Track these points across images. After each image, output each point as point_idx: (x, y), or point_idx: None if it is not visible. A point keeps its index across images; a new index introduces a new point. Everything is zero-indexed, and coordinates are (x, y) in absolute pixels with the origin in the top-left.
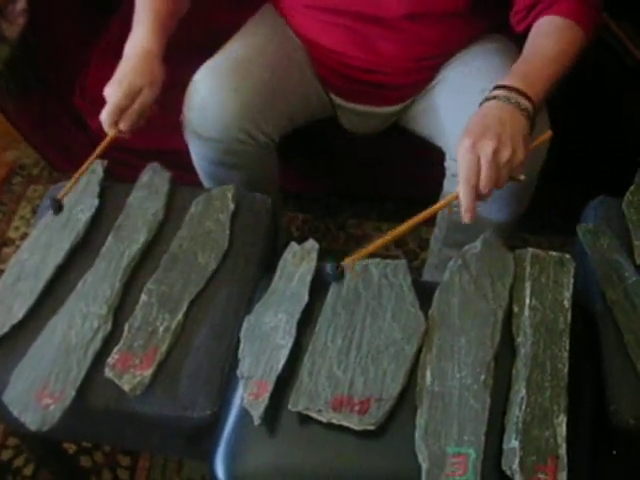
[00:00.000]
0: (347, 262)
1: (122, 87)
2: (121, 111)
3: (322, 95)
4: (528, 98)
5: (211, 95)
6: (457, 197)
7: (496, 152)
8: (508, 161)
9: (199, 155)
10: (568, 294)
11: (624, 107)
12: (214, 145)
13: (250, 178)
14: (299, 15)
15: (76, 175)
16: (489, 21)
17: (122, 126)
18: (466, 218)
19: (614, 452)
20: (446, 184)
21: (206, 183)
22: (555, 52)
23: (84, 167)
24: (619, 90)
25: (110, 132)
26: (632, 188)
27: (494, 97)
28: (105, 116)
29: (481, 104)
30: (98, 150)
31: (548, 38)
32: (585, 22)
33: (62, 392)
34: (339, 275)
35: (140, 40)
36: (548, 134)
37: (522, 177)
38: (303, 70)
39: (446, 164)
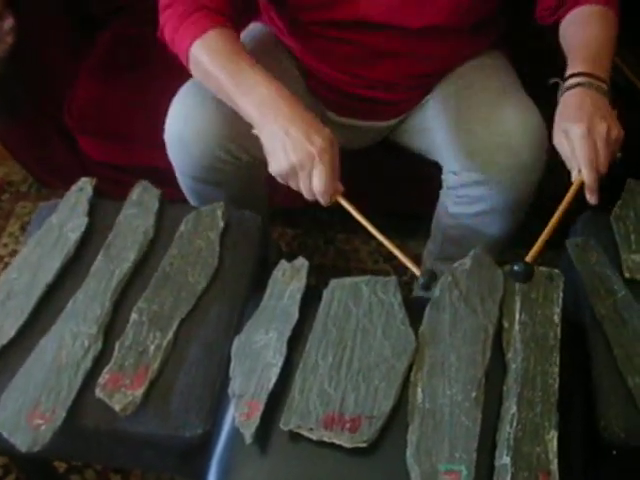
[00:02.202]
0: (531, 260)
1: (321, 145)
2: (335, 172)
3: (313, 111)
4: (604, 81)
5: (193, 114)
6: (582, 183)
7: (609, 132)
8: (617, 139)
9: (182, 173)
10: (558, 309)
11: None
12: (196, 164)
13: (236, 196)
14: (301, 34)
15: None
16: (491, 38)
17: (340, 186)
18: (594, 200)
19: (614, 452)
20: (442, 196)
21: (192, 201)
22: (604, 37)
23: None
24: None
25: (340, 200)
26: (620, 202)
27: (578, 84)
28: (326, 185)
29: (562, 92)
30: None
31: (593, 26)
32: (615, 6)
33: (53, 412)
34: (530, 274)
35: (273, 91)
36: (615, 111)
37: (619, 154)
38: (293, 87)
39: (443, 177)
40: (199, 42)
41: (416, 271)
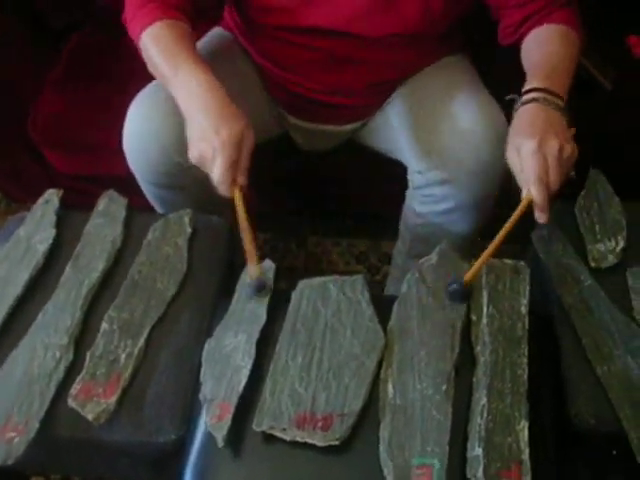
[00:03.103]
0: (468, 279)
1: (224, 137)
2: (236, 165)
3: (272, 117)
4: (560, 97)
5: (149, 120)
6: (531, 200)
7: (561, 149)
8: (569, 157)
9: (143, 179)
10: (525, 300)
11: (571, 115)
12: (155, 169)
13: (198, 200)
14: (262, 37)
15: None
16: (455, 43)
17: (242, 180)
18: (543, 219)
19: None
20: (409, 196)
21: (157, 207)
22: (563, 55)
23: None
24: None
25: (233, 193)
26: (583, 192)
27: (533, 99)
28: (221, 176)
29: (517, 108)
30: (241, 221)
31: (554, 44)
32: (578, 28)
33: (26, 425)
34: (468, 293)
35: (200, 83)
36: (572, 130)
37: (573, 173)
38: (253, 92)
39: (409, 177)
40: (148, 31)
41: (252, 271)
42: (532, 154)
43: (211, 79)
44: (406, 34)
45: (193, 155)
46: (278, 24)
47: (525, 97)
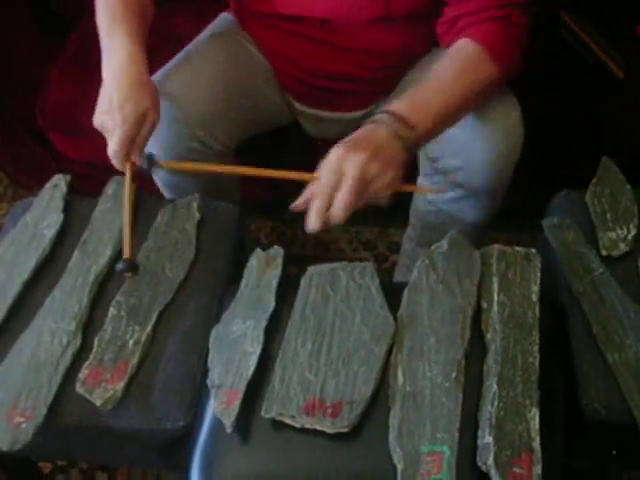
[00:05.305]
0: (163, 164)
1: (127, 113)
2: (132, 141)
3: (283, 103)
4: (410, 127)
5: (162, 104)
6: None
7: (365, 164)
8: (373, 178)
9: None
10: (536, 288)
11: (581, 103)
12: (167, 154)
13: (208, 185)
14: (261, 24)
15: None
16: None
17: (136, 158)
18: (309, 227)
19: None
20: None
21: (165, 193)
22: (456, 82)
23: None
24: (576, 86)
25: (126, 167)
26: (594, 180)
27: (374, 121)
28: (115, 149)
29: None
30: (127, 194)
31: (454, 64)
32: (500, 56)
33: (33, 410)
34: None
35: (124, 54)
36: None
37: (384, 202)
38: (262, 78)
39: (420, 164)
40: None
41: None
42: (333, 160)
43: (135, 53)
44: (394, 17)
45: (96, 123)
46: (266, 12)
47: (373, 117)
